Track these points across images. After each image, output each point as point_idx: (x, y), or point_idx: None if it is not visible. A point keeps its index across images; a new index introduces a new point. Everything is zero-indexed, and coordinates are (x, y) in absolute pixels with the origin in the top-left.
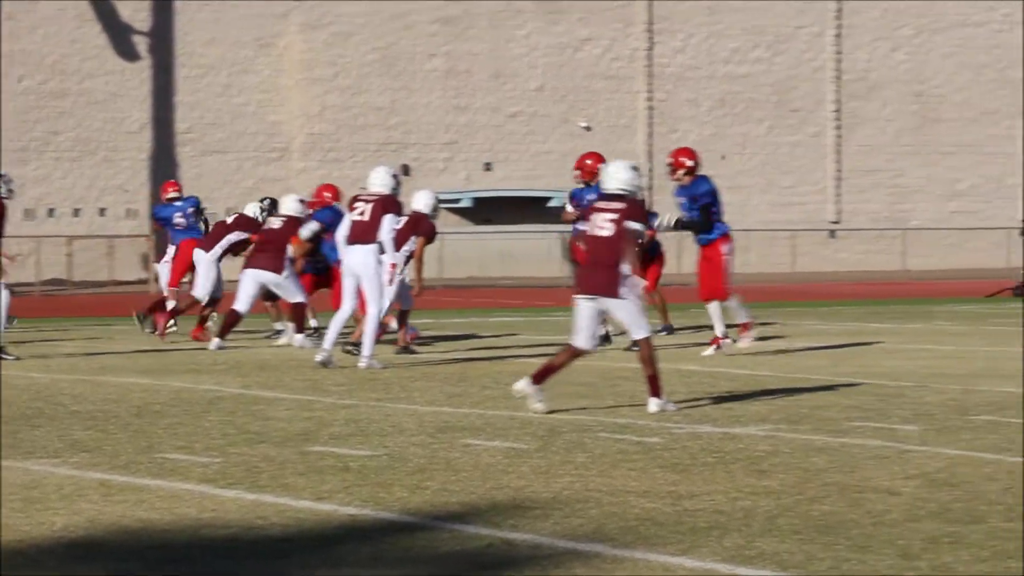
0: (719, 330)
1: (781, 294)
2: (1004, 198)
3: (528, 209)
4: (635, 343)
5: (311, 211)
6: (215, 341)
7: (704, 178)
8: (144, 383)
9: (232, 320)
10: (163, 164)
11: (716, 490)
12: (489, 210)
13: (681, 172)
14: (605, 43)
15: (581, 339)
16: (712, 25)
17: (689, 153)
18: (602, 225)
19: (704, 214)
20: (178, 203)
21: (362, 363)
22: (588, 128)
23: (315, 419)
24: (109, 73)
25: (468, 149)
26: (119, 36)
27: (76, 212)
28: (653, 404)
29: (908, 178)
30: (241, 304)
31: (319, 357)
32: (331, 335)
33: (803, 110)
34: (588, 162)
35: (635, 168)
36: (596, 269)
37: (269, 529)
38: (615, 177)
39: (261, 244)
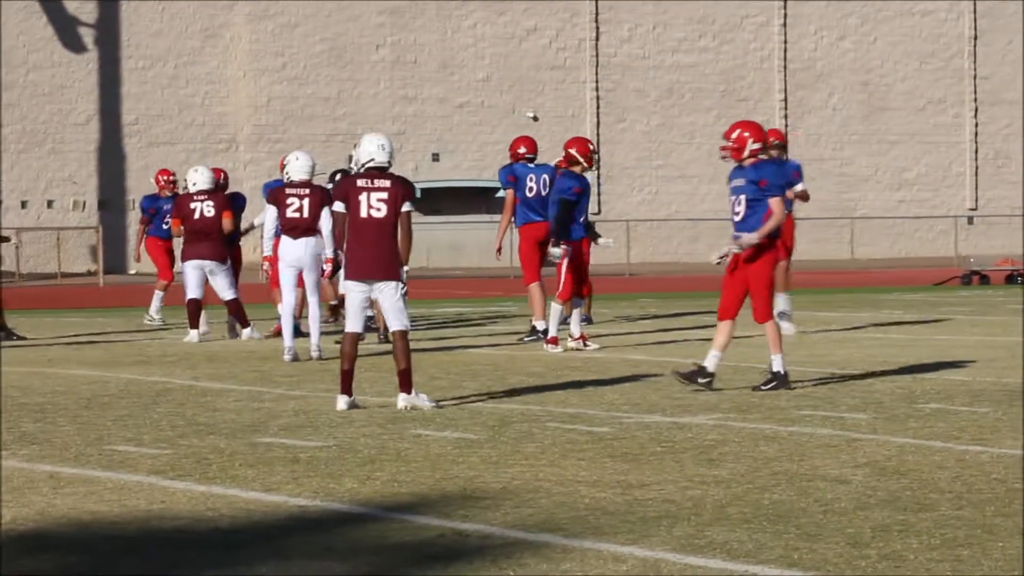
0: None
1: None
2: (951, 187)
3: (476, 199)
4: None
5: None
6: (193, 333)
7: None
8: (93, 375)
9: (195, 310)
10: (110, 156)
11: (666, 479)
12: (437, 201)
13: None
14: (551, 33)
15: (353, 324)
16: (658, 15)
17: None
18: (376, 206)
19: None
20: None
21: (313, 353)
22: (535, 118)
23: (264, 410)
24: (56, 65)
25: (416, 140)
26: (65, 28)
27: (23, 204)
28: (402, 399)
29: (856, 167)
30: (193, 292)
31: (286, 356)
32: (287, 331)
33: (750, 99)
34: (521, 150)
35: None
36: (371, 252)
37: (219, 520)
38: (385, 150)
39: (197, 233)
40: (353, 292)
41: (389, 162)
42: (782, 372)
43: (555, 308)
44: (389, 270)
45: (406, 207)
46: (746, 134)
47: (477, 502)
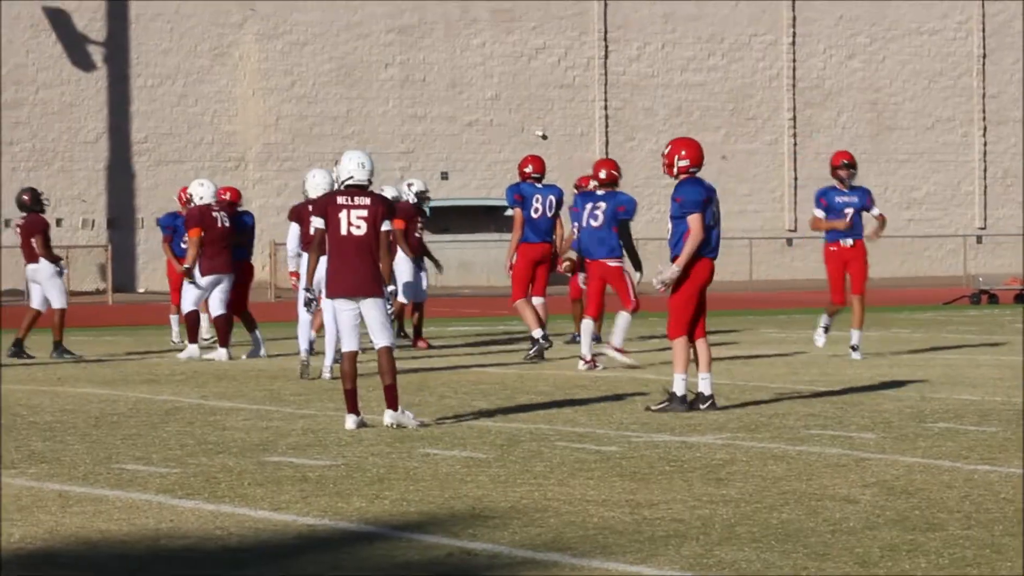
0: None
1: (738, 302)
2: (960, 205)
3: (485, 218)
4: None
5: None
6: (191, 348)
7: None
8: (102, 393)
9: (194, 323)
10: (120, 174)
11: (674, 499)
12: (446, 219)
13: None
14: (560, 52)
15: (349, 343)
16: (667, 33)
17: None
18: (356, 224)
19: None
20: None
21: (325, 374)
22: (544, 137)
23: (273, 429)
24: (65, 83)
25: (424, 158)
26: (74, 46)
27: None
28: (388, 416)
29: (864, 185)
30: (193, 305)
31: (301, 356)
32: (303, 343)
33: (759, 118)
34: (528, 168)
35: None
36: (353, 269)
37: (227, 539)
38: (365, 168)
39: (217, 243)
40: (343, 311)
41: (369, 180)
42: (679, 394)
43: (624, 319)
44: (372, 287)
45: (386, 226)
46: (682, 151)
47: (485, 521)
